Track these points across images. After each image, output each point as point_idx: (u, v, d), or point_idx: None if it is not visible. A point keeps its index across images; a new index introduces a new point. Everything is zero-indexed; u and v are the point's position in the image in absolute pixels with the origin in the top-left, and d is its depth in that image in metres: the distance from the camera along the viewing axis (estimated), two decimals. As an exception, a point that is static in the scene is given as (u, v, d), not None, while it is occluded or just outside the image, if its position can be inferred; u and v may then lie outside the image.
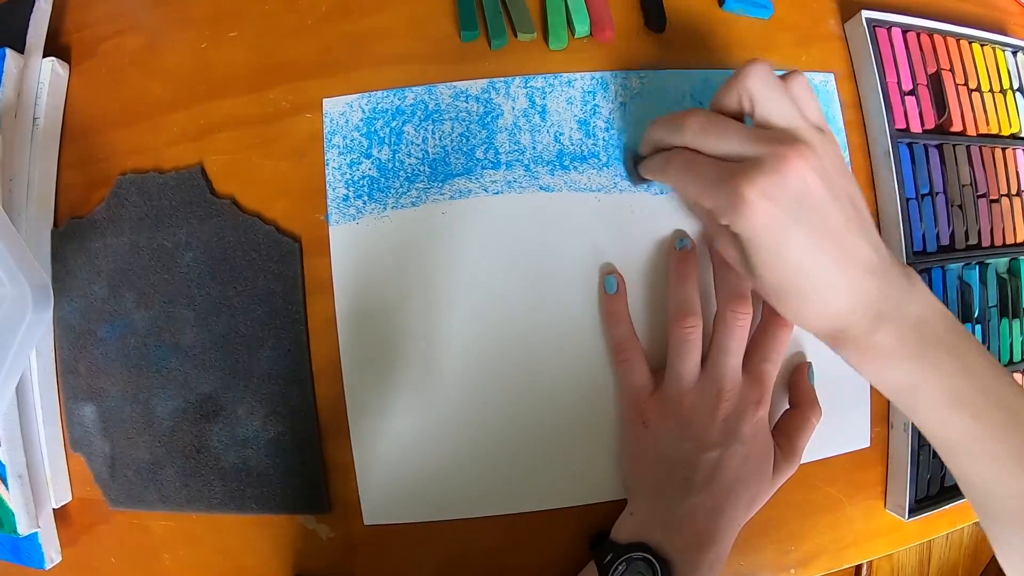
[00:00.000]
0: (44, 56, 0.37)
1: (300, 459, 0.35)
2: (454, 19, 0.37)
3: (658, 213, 0.37)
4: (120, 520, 0.37)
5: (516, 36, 0.37)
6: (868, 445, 0.38)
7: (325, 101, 0.36)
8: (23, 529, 0.34)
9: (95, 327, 0.36)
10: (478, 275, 0.36)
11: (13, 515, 0.34)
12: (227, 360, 0.35)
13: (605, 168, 0.37)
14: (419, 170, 0.36)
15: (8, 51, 0.36)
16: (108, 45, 0.38)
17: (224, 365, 0.35)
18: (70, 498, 0.37)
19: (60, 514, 0.37)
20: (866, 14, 0.39)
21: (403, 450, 0.35)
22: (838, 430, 0.38)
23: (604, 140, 0.37)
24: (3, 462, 0.34)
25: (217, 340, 0.36)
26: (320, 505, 0.35)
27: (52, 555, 0.36)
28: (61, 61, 0.38)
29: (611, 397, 0.36)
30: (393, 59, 0.37)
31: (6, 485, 0.34)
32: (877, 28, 0.39)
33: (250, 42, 0.37)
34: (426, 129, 0.36)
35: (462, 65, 0.37)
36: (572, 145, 0.37)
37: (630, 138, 0.37)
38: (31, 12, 0.37)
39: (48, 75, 0.37)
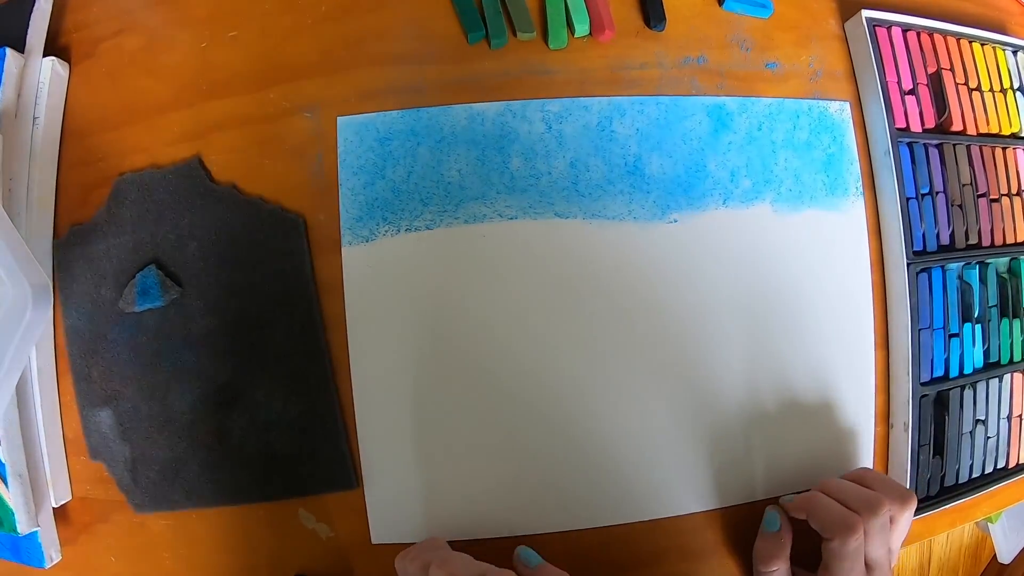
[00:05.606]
0: (44, 56, 0.37)
1: (323, 436, 0.35)
2: (453, 19, 0.37)
3: (678, 240, 0.36)
4: (120, 519, 0.37)
5: (516, 35, 0.37)
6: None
7: (339, 120, 0.36)
8: (23, 528, 0.34)
9: (104, 330, 0.36)
10: (493, 298, 0.35)
11: (13, 514, 0.34)
12: (241, 344, 0.35)
13: (621, 195, 0.37)
14: (434, 192, 0.36)
15: (8, 51, 0.36)
16: (108, 45, 0.38)
17: (238, 350, 0.35)
18: (70, 497, 0.37)
19: (60, 513, 0.37)
20: (866, 13, 0.39)
21: (411, 469, 0.35)
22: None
23: (621, 167, 0.37)
24: (3, 461, 0.34)
25: (229, 326, 0.35)
26: (347, 481, 0.35)
27: (52, 554, 0.36)
28: (61, 61, 0.38)
29: (623, 417, 0.36)
30: (392, 59, 0.37)
31: (6, 484, 0.34)
32: (877, 27, 0.39)
33: (250, 42, 0.37)
34: (441, 151, 0.36)
35: (461, 64, 0.37)
36: (588, 171, 0.36)
37: (647, 165, 0.37)
38: (31, 12, 0.37)
39: (48, 75, 0.37)
